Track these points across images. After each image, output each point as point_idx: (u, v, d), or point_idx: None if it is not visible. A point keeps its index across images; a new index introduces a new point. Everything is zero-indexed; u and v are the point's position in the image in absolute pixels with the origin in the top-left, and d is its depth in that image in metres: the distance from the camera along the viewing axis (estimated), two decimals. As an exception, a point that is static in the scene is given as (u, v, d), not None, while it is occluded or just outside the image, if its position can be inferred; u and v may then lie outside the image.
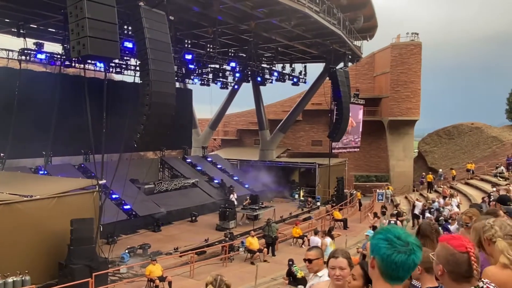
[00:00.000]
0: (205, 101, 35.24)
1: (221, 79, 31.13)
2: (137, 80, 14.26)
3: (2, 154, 19.31)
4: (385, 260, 1.66)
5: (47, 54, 21.07)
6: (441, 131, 40.00)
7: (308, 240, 17.25)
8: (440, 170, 33.33)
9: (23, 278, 10.67)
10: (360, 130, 35.33)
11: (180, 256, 15.81)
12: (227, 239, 17.59)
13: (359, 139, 35.38)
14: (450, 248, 1.95)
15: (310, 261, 3.83)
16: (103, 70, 20.69)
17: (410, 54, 36.95)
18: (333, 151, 31.60)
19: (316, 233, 15.89)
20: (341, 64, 28.98)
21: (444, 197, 21.63)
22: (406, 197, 32.35)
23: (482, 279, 1.98)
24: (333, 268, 2.97)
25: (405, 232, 1.70)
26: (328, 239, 13.48)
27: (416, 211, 20.61)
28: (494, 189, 17.65)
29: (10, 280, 10.47)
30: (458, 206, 17.96)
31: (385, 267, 1.67)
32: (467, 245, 1.95)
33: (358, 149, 36.19)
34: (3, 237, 11.06)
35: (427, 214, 18.61)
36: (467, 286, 1.93)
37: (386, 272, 1.68)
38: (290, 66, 30.90)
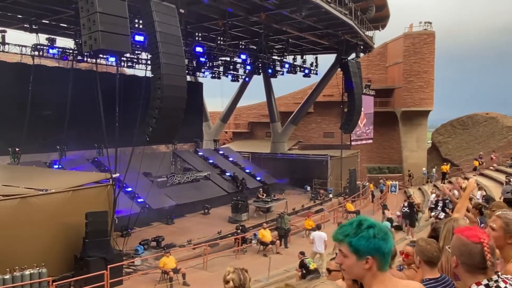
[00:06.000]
0: (216, 94, 35.25)
1: (232, 72, 31.00)
2: (149, 74, 14.27)
3: (17, 149, 19.63)
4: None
5: (60, 49, 21.29)
6: (455, 121, 39.37)
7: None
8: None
9: (39, 271, 10.84)
10: (372, 121, 35.05)
11: (194, 249, 15.93)
12: (239, 231, 17.66)
13: (370, 130, 35.08)
14: (463, 239, 1.93)
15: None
16: (114, 65, 20.82)
17: (423, 43, 36.33)
18: (352, 143, 31.50)
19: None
20: (353, 55, 28.62)
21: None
22: (419, 189, 32.12)
23: (498, 273, 1.93)
24: None
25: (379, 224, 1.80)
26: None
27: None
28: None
29: (27, 272, 10.64)
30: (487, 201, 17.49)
31: None
32: (481, 236, 1.91)
33: (371, 141, 35.98)
34: (20, 230, 11.24)
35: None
36: (482, 278, 1.89)
37: None
38: (301, 58, 30.66)
